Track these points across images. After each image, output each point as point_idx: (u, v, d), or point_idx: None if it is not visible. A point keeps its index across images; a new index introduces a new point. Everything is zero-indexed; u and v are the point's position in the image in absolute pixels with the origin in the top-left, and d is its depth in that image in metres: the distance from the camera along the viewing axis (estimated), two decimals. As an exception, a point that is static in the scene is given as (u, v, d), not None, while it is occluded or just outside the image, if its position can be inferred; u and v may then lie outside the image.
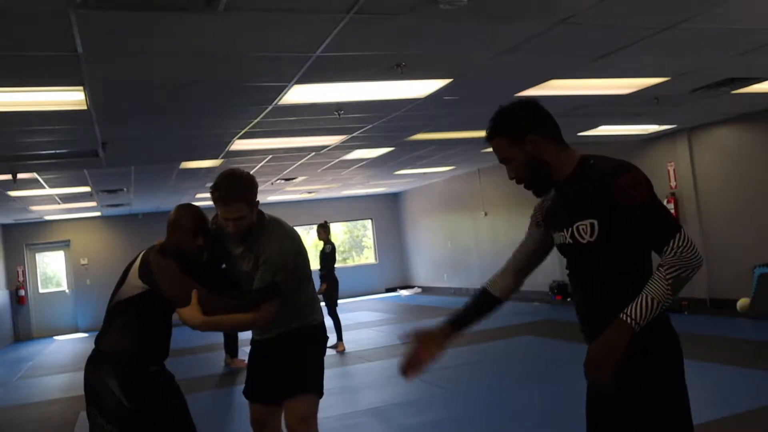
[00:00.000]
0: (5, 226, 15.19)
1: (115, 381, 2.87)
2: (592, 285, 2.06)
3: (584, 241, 2.01)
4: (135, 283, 2.94)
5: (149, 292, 2.92)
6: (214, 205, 3.01)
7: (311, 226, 15.98)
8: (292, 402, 3.14)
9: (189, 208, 3.09)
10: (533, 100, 2.11)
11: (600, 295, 2.03)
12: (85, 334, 15.16)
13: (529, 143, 2.04)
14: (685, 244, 1.86)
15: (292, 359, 3.18)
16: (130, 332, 2.95)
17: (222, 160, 8.83)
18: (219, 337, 9.57)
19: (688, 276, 1.86)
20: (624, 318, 1.87)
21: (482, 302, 2.34)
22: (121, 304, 2.97)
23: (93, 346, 3.02)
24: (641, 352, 1.92)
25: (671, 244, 1.86)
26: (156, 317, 3.00)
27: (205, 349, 10.36)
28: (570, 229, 2.05)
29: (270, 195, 14.63)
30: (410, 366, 2.25)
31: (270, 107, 5.75)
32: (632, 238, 1.95)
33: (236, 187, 2.97)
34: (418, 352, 2.25)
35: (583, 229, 2.01)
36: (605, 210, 1.95)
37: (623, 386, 1.95)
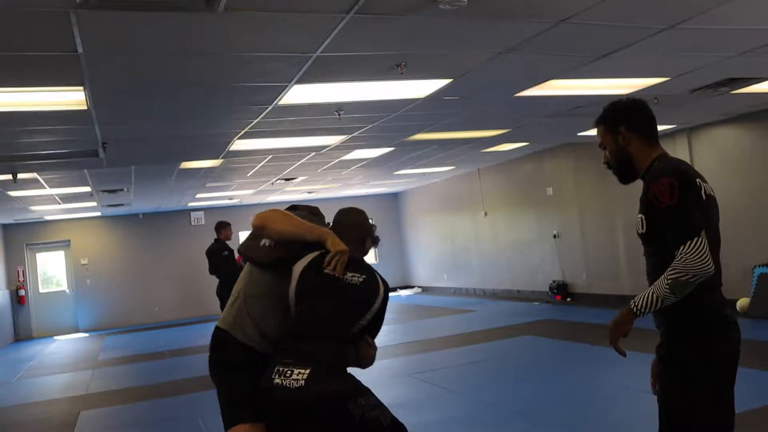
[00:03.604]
0: (5, 226, 15.18)
1: None
2: (647, 269, 2.35)
3: (639, 232, 2.31)
4: None
5: None
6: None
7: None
8: None
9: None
10: (640, 101, 2.42)
11: (648, 278, 2.32)
12: (85, 334, 15.16)
13: (620, 134, 2.37)
14: (692, 251, 2.08)
15: None
16: None
17: (222, 160, 8.83)
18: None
19: (689, 281, 2.08)
20: (631, 304, 2.20)
21: None
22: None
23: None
24: (681, 332, 2.21)
25: (681, 249, 2.10)
26: None
27: (205, 349, 10.34)
28: (637, 219, 2.34)
29: (270, 195, 14.64)
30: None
31: (270, 107, 5.75)
32: (664, 236, 2.19)
33: None
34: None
35: (639, 220, 2.29)
36: (647, 208, 2.24)
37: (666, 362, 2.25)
